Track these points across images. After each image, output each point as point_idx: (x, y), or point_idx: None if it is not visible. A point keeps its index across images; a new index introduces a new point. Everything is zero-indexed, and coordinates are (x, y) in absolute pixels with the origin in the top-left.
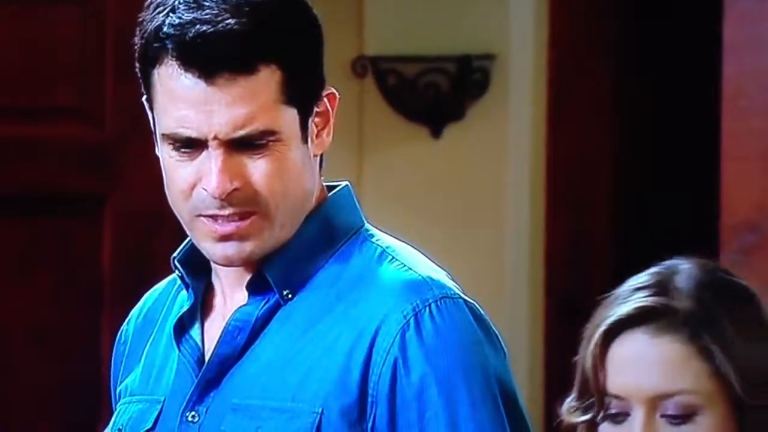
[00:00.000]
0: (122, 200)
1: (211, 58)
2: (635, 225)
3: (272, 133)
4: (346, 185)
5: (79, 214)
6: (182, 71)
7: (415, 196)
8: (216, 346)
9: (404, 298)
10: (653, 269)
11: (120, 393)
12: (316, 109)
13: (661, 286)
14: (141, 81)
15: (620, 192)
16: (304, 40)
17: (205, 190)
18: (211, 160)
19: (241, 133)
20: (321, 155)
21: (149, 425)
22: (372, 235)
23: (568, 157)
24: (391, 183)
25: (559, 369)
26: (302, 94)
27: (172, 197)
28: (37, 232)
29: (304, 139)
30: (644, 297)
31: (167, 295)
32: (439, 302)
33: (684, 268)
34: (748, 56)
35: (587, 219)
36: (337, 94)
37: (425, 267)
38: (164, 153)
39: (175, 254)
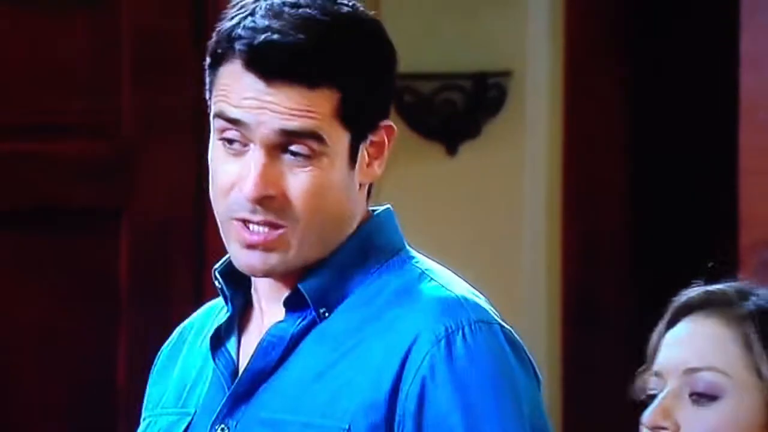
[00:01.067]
0: (138, 213)
1: (273, 63)
2: (651, 239)
3: (319, 138)
4: (388, 207)
5: (96, 228)
6: (244, 71)
7: (432, 214)
8: (250, 361)
9: (438, 318)
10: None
11: (148, 404)
12: (371, 138)
13: (739, 289)
14: (207, 78)
15: (637, 210)
16: (370, 67)
17: (241, 191)
18: (252, 161)
19: (289, 125)
20: (370, 185)
21: None
22: (412, 257)
23: (585, 176)
24: (407, 200)
25: (577, 376)
26: (358, 118)
27: (213, 194)
28: (53, 247)
29: (352, 165)
30: (715, 289)
31: (214, 310)
32: (473, 325)
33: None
34: (766, 69)
35: (603, 236)
36: (395, 127)
37: (463, 289)
38: (213, 147)
39: (216, 266)
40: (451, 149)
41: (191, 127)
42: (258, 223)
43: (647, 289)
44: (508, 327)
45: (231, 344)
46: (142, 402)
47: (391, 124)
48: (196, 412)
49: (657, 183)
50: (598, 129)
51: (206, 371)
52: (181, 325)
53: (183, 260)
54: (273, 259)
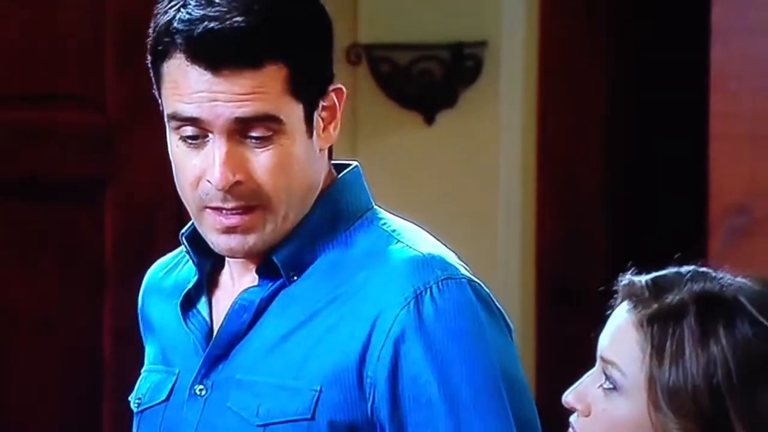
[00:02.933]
0: (124, 185)
1: (217, 53)
2: (627, 208)
3: (275, 119)
4: (356, 166)
5: (81, 199)
6: (189, 64)
7: (409, 182)
8: (223, 323)
9: (406, 279)
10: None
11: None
12: (322, 104)
13: (673, 280)
14: (152, 74)
15: (612, 176)
16: (311, 36)
17: (209, 182)
18: (215, 151)
19: (244, 112)
20: (330, 146)
21: (164, 396)
22: (379, 219)
23: (560, 143)
24: (385, 169)
25: (550, 353)
26: (308, 88)
27: (180, 188)
28: (39, 217)
29: (309, 133)
30: (647, 280)
31: (175, 264)
32: (440, 284)
33: (724, 280)
34: (735, 40)
35: (578, 203)
36: (344, 89)
37: (430, 246)
38: (172, 144)
39: (183, 230)
40: (429, 118)
41: None
42: (231, 210)
43: (622, 251)
44: (477, 280)
45: (202, 307)
46: (127, 369)
47: (340, 86)
48: (179, 371)
49: (633, 151)
50: (573, 97)
51: (180, 327)
52: (144, 283)
53: (167, 231)
54: (251, 240)
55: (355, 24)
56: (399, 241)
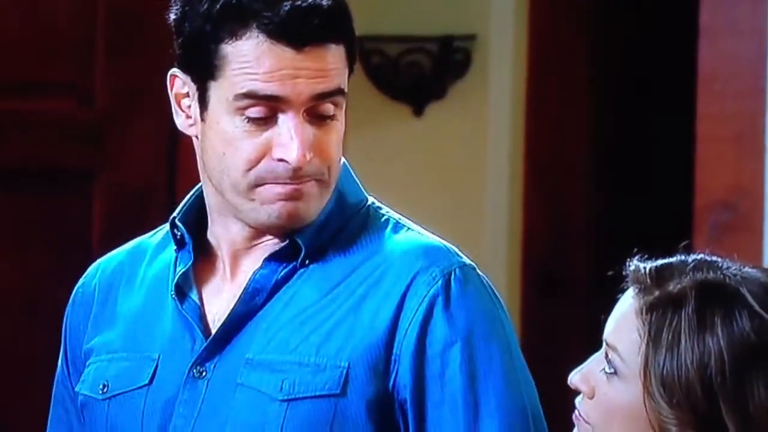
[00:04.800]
0: (112, 176)
1: (301, 32)
2: (612, 201)
3: (343, 93)
4: (345, 161)
5: (69, 190)
6: (271, 43)
7: (398, 173)
8: (236, 305)
9: (431, 261)
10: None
11: (90, 351)
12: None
13: (677, 267)
14: (191, 56)
15: (598, 169)
16: (350, 13)
17: (283, 160)
18: (292, 131)
19: (325, 87)
20: None
21: (145, 381)
22: (380, 208)
23: (547, 135)
24: (374, 160)
25: (536, 342)
26: (352, 66)
27: (231, 167)
28: (27, 207)
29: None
30: (653, 266)
31: (137, 257)
32: (463, 268)
33: (730, 270)
34: (723, 41)
35: (565, 195)
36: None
37: (437, 238)
38: (226, 123)
39: (175, 214)
40: (418, 110)
41: (166, 93)
42: (299, 182)
43: (609, 249)
44: (480, 271)
45: (192, 291)
46: None
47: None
48: (160, 355)
49: (619, 145)
50: (561, 90)
51: (156, 314)
52: (96, 270)
53: (156, 222)
54: (306, 207)
55: None
56: (408, 228)
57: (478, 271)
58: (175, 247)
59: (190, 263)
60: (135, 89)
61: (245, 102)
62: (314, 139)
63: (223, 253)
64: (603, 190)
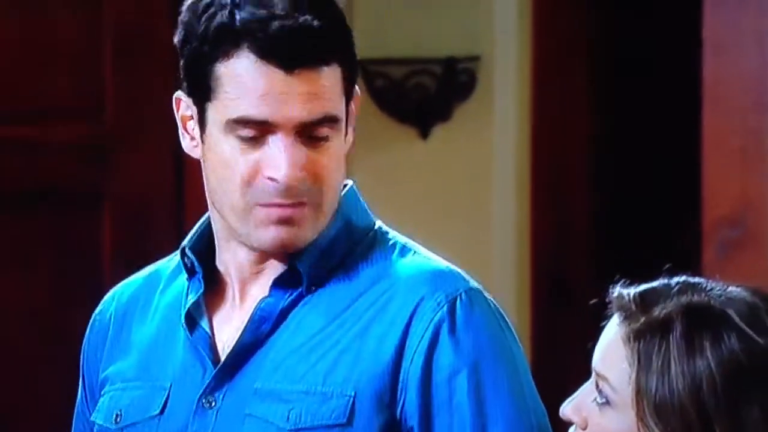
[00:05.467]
0: (120, 195)
1: (293, 51)
2: (620, 218)
3: (337, 120)
4: (352, 185)
5: (78, 210)
6: (261, 64)
7: (405, 195)
8: (242, 334)
9: (436, 286)
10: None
11: (105, 380)
12: (350, 107)
13: (661, 292)
14: (190, 78)
15: (603, 191)
16: (350, 35)
17: (272, 179)
18: (281, 150)
19: (315, 112)
20: None
21: (157, 411)
22: (387, 232)
23: (553, 157)
24: (380, 183)
25: (547, 356)
26: (350, 89)
27: (227, 187)
28: (36, 228)
29: (345, 135)
30: (636, 293)
31: (152, 284)
32: (468, 292)
33: (715, 291)
34: (728, 55)
35: (571, 216)
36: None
37: (445, 262)
38: (222, 144)
39: (185, 242)
40: (424, 133)
41: (172, 113)
42: (289, 205)
43: (615, 267)
44: (488, 295)
45: (203, 319)
46: None
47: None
48: (171, 385)
49: (623, 166)
50: (565, 111)
51: (168, 343)
52: (112, 298)
53: (163, 242)
54: (300, 232)
55: None
56: (416, 252)
57: (485, 294)
58: (186, 276)
59: (200, 292)
60: (142, 110)
61: (237, 124)
62: (307, 159)
63: (232, 280)
64: (610, 204)
